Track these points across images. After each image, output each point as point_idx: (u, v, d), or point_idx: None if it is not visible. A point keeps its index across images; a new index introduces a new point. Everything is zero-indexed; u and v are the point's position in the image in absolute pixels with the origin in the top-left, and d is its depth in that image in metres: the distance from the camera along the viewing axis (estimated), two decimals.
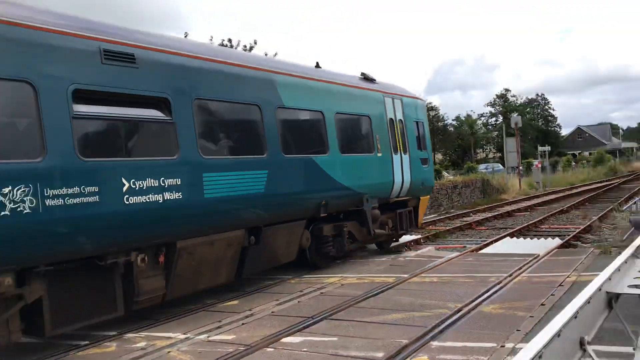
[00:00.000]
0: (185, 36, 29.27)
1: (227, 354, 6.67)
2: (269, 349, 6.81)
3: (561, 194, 32.62)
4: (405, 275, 10.78)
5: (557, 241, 14.90)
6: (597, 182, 43.51)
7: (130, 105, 7.95)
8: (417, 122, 15.28)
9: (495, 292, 9.10)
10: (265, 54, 30.03)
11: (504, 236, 16.47)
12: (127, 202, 7.47)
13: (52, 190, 6.61)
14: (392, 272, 11.38)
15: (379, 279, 10.73)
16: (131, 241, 7.78)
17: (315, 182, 11.23)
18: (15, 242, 6.36)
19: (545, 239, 15.83)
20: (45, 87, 6.75)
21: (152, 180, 7.82)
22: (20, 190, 6.31)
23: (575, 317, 2.03)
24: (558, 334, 1.82)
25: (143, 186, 7.69)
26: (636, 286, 2.71)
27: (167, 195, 8.02)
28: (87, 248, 7.24)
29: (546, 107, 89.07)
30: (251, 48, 30.09)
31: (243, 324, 8.06)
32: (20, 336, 6.97)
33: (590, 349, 2.09)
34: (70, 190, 6.81)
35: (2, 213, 6.14)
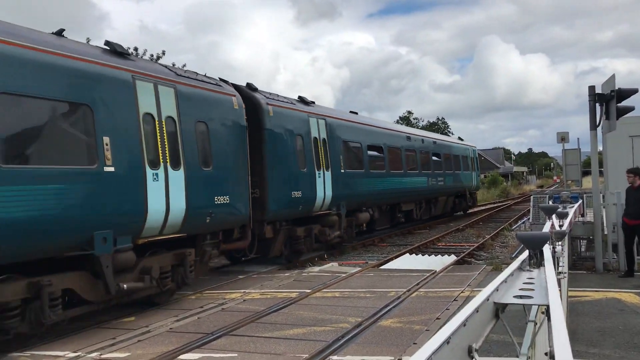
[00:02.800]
0: (88, 41, 28.04)
1: None
2: None
3: (458, 214, 34.16)
4: (308, 291, 10.82)
5: (453, 258, 15.57)
6: (491, 203, 46.01)
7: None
8: (475, 157, 34.60)
9: (394, 306, 9.34)
10: (173, 64, 29.38)
11: (404, 253, 16.99)
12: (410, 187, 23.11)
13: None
14: (296, 287, 11.39)
15: (281, 294, 10.69)
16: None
17: (457, 182, 29.85)
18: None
19: (442, 255, 16.49)
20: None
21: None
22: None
23: (464, 325, 2.11)
24: (447, 341, 1.88)
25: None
26: (520, 297, 2.87)
27: (415, 184, 23.88)
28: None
29: (446, 130, 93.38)
30: (159, 57, 29.33)
31: (139, 340, 7.73)
32: None
33: (477, 355, 2.18)
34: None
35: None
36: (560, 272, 6.19)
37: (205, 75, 12.03)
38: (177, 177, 9.94)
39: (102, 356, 7.07)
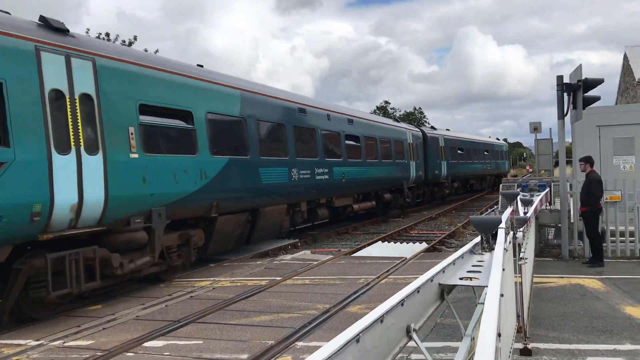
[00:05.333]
0: None
1: None
2: (128, 354, 6.53)
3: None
4: (279, 278, 10.84)
5: (424, 245, 15.72)
6: (465, 192, 46.40)
7: None
8: (507, 151, 54.76)
9: (363, 293, 9.40)
10: (145, 50, 28.98)
11: (376, 240, 17.09)
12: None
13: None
14: (266, 275, 11.39)
15: (252, 281, 10.69)
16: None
17: (497, 167, 47.48)
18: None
19: (414, 243, 16.63)
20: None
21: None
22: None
23: (402, 305, 2.13)
24: (381, 320, 1.89)
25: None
26: (468, 278, 2.90)
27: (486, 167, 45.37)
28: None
29: (422, 120, 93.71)
30: (130, 43, 28.89)
31: (104, 328, 7.67)
32: None
33: (415, 335, 2.20)
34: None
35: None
36: (521, 258, 6.29)
37: (414, 124, 36.32)
38: (413, 164, 26.74)
39: (65, 344, 7.00)
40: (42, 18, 8.85)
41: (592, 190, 11.37)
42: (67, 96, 8.43)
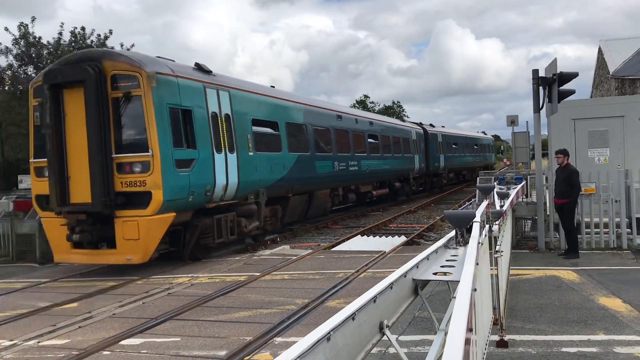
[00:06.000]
0: (33, 20, 27.17)
1: None
2: (105, 353, 6.45)
3: (412, 196, 34.58)
4: (257, 274, 10.80)
5: (403, 239, 15.79)
6: (458, 182, 46.75)
7: None
8: (492, 145, 61.45)
9: (342, 287, 9.41)
10: (121, 45, 28.68)
11: (356, 234, 17.12)
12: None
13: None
14: (245, 270, 11.35)
15: (230, 277, 10.64)
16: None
17: (484, 159, 53.32)
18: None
19: (393, 237, 16.70)
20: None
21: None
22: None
23: (374, 302, 2.12)
24: (352, 317, 1.88)
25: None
26: (442, 273, 2.91)
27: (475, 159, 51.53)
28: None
29: (401, 114, 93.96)
30: (106, 38, 28.49)
31: (80, 327, 7.57)
32: None
33: (388, 332, 2.20)
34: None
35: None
36: (497, 251, 6.34)
37: (417, 122, 35.05)
38: (417, 157, 31.31)
39: (40, 344, 6.90)
40: (196, 64, 13.15)
41: (574, 182, 11.50)
42: (219, 116, 12.87)
